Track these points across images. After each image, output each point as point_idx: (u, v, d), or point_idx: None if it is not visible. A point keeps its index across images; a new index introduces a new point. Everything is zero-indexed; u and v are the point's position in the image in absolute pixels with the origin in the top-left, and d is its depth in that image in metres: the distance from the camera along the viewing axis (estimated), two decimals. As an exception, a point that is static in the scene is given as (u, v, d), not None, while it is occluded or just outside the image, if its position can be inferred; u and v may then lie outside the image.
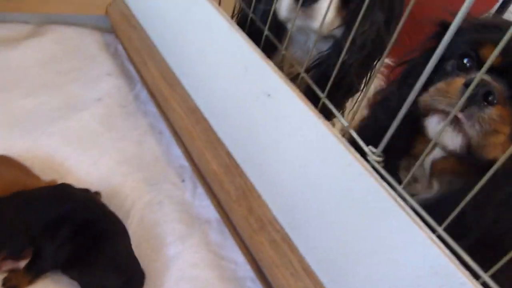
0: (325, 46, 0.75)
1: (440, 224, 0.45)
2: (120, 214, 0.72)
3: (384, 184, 0.50)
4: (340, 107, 0.81)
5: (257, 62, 0.66)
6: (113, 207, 0.73)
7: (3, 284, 0.63)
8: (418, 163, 0.48)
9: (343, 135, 0.56)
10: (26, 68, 1.00)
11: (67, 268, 0.65)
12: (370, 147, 0.52)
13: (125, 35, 1.08)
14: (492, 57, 0.39)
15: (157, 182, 0.86)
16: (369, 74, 0.77)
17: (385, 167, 0.51)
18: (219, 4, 0.77)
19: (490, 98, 0.50)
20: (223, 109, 0.78)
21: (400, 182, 0.49)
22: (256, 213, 0.70)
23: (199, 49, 0.83)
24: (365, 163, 0.52)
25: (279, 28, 0.75)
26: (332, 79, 0.55)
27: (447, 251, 0.44)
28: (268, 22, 0.66)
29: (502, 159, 0.40)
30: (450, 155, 0.56)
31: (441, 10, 0.57)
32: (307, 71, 0.73)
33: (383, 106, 0.68)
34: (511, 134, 0.51)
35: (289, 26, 0.73)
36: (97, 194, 0.78)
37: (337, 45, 0.72)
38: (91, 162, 0.85)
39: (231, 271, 0.75)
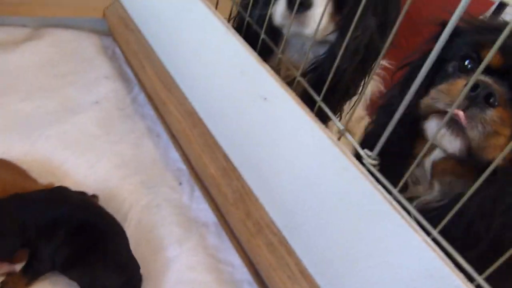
0: (321, 50, 0.76)
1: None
2: (117, 217, 0.72)
3: (380, 187, 0.50)
4: (337, 110, 0.81)
5: (253, 65, 0.66)
6: (110, 210, 0.73)
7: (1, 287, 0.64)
8: (413, 165, 0.48)
9: (339, 138, 0.56)
10: (23, 71, 1.00)
11: (66, 269, 0.66)
12: (365, 150, 0.52)
13: (122, 38, 1.08)
14: (488, 57, 0.39)
15: (155, 185, 0.86)
16: (365, 78, 0.77)
17: (383, 170, 0.51)
18: (216, 8, 0.77)
19: (491, 100, 0.50)
20: (220, 112, 0.78)
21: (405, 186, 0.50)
22: (254, 216, 0.70)
23: (196, 52, 0.83)
24: (360, 166, 0.52)
25: (275, 32, 0.75)
26: (327, 84, 0.56)
27: (442, 254, 0.44)
28: (264, 27, 0.67)
29: (498, 159, 0.40)
30: (450, 156, 0.56)
31: (441, 10, 0.57)
32: (304, 75, 0.74)
33: (385, 111, 0.68)
34: None
35: (284, 31, 0.73)
36: (94, 197, 0.78)
37: (332, 50, 0.72)
38: (88, 165, 0.85)
39: (229, 274, 0.75)
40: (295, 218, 0.64)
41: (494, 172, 0.41)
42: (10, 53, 1.02)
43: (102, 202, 0.78)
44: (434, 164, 0.61)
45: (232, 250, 0.78)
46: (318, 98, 0.58)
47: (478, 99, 0.50)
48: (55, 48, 1.09)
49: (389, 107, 0.67)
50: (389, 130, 0.49)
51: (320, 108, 0.59)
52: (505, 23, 0.60)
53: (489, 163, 0.51)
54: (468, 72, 0.57)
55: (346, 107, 0.86)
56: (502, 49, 0.47)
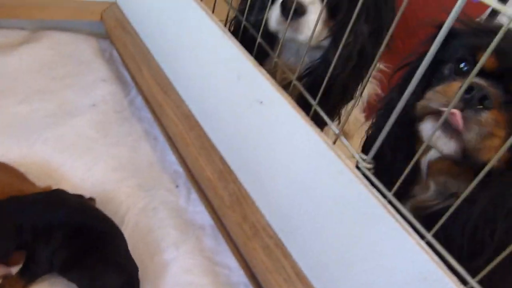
0: (317, 54, 0.76)
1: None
2: (114, 220, 0.72)
3: (374, 190, 0.50)
4: (334, 115, 0.82)
5: (250, 69, 0.66)
6: (107, 213, 0.73)
7: (-2, 290, 0.64)
8: (408, 168, 0.48)
9: (334, 142, 0.57)
10: (21, 74, 1.00)
11: (65, 271, 0.66)
12: (360, 154, 0.53)
13: (120, 41, 1.08)
14: (482, 60, 0.39)
15: (152, 188, 0.86)
16: (361, 82, 0.78)
17: (383, 173, 0.52)
18: (213, 12, 0.78)
19: (486, 103, 0.51)
20: (217, 116, 0.79)
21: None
22: (250, 219, 0.70)
23: (193, 56, 0.84)
24: (355, 170, 0.53)
25: (271, 35, 0.75)
26: (322, 89, 0.56)
27: (435, 257, 0.45)
28: (260, 31, 0.67)
29: (492, 161, 0.41)
30: (446, 157, 0.57)
31: (437, 12, 0.57)
32: (299, 78, 0.74)
33: (384, 114, 0.69)
34: (507, 139, 0.52)
35: (280, 35, 0.74)
36: (91, 200, 0.79)
37: (325, 55, 0.73)
38: (85, 168, 0.85)
39: (225, 276, 0.75)
40: (291, 221, 0.65)
41: (489, 173, 0.41)
42: (8, 55, 1.02)
43: (99, 205, 0.78)
44: (430, 164, 0.62)
45: (229, 252, 0.78)
46: (313, 102, 0.59)
47: (473, 101, 0.50)
48: (52, 50, 1.09)
49: (388, 110, 0.68)
50: (384, 133, 0.49)
51: (316, 112, 0.59)
52: (501, 26, 0.61)
53: (484, 164, 0.52)
54: (464, 74, 0.57)
55: (344, 111, 0.87)
56: (497, 52, 0.48)
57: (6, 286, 0.64)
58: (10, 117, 0.90)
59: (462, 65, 0.58)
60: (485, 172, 0.41)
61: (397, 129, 0.49)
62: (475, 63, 0.56)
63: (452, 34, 0.46)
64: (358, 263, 0.54)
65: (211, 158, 0.78)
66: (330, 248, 0.58)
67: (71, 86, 1.02)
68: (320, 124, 0.59)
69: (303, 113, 0.60)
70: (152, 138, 0.97)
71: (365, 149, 0.70)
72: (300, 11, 0.67)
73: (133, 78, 1.06)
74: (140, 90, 1.02)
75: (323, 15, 0.69)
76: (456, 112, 0.51)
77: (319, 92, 0.57)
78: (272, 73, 0.66)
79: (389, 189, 0.49)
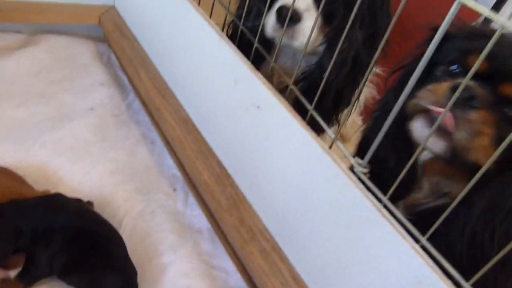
0: (313, 59, 0.77)
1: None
2: (112, 224, 0.72)
3: (369, 194, 0.51)
4: (330, 119, 0.82)
5: (247, 74, 0.67)
6: (105, 216, 0.73)
7: (-4, 294, 0.64)
8: (403, 172, 0.49)
9: (330, 147, 0.57)
10: (18, 77, 1.00)
11: (65, 274, 0.66)
12: (356, 158, 0.53)
13: (117, 44, 1.08)
14: (476, 65, 0.40)
15: (149, 192, 0.86)
16: (357, 87, 0.78)
17: (380, 175, 0.52)
18: (210, 16, 0.78)
19: (473, 103, 0.52)
20: (214, 120, 0.79)
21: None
22: (247, 223, 0.70)
23: (190, 60, 0.84)
24: (351, 174, 0.53)
25: (268, 40, 0.76)
26: (318, 95, 0.57)
27: (430, 261, 0.45)
28: (257, 36, 0.68)
29: (487, 165, 0.41)
30: (438, 157, 0.57)
31: (434, 16, 0.58)
32: (296, 83, 0.75)
33: (379, 116, 0.70)
34: (494, 138, 0.53)
35: (276, 40, 0.74)
36: (89, 203, 0.79)
37: (320, 61, 0.74)
38: (83, 172, 0.85)
39: (222, 280, 0.76)
40: (288, 225, 0.65)
41: (476, 170, 0.42)
42: (6, 59, 1.03)
43: (96, 209, 0.78)
44: (424, 164, 0.63)
45: (226, 256, 0.79)
46: (309, 107, 0.59)
47: (461, 101, 0.51)
48: (50, 54, 1.09)
49: (383, 112, 0.69)
50: (380, 137, 0.50)
51: (312, 116, 0.60)
52: (493, 31, 0.62)
53: (473, 164, 0.52)
54: (454, 76, 0.58)
55: (342, 116, 0.87)
56: (487, 55, 0.50)
57: (5, 289, 0.64)
58: (8, 121, 0.90)
59: (453, 67, 0.59)
60: (480, 175, 0.42)
61: (391, 129, 0.50)
62: (465, 65, 0.57)
63: (445, 37, 0.47)
64: (354, 267, 0.54)
65: (208, 162, 0.79)
66: (326, 252, 0.59)
67: (69, 89, 1.02)
68: (318, 129, 0.59)
69: (299, 118, 0.60)
70: (149, 141, 0.97)
71: (360, 150, 0.71)
72: (296, 18, 0.68)
73: (130, 81, 1.06)
74: (138, 94, 1.02)
75: (319, 21, 0.70)
76: (442, 110, 0.52)
77: (315, 97, 0.58)
78: (269, 77, 0.67)
79: (383, 190, 0.50)
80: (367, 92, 1.08)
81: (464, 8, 0.42)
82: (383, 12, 0.71)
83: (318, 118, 0.58)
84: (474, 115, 0.51)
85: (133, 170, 0.90)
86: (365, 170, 0.52)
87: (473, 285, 0.42)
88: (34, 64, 1.05)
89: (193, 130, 0.84)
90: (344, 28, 0.50)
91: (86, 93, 1.03)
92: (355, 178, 0.52)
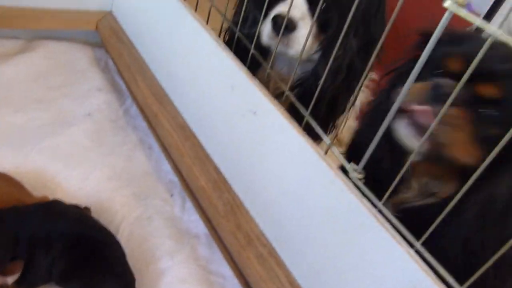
0: (309, 66, 0.78)
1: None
2: (110, 229, 0.73)
3: (364, 200, 0.51)
4: (327, 125, 0.83)
5: (243, 80, 0.68)
6: (103, 222, 0.74)
7: (-6, 300, 0.64)
8: (398, 176, 0.50)
9: (326, 152, 0.58)
10: (16, 83, 1.00)
11: (64, 281, 0.66)
12: (351, 164, 0.54)
13: (115, 50, 1.09)
14: (471, 68, 0.43)
15: (147, 197, 0.87)
16: (352, 94, 0.79)
17: (377, 178, 0.53)
18: (207, 22, 0.79)
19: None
20: (211, 126, 0.80)
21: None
22: (244, 228, 0.71)
23: (187, 66, 0.85)
24: (346, 180, 0.54)
25: (264, 47, 0.77)
26: (313, 101, 0.57)
27: (424, 266, 0.46)
28: (253, 43, 0.68)
29: (482, 168, 0.42)
30: (423, 157, 0.59)
31: (427, 23, 0.60)
32: (292, 89, 0.75)
33: (370, 117, 0.71)
34: (471, 136, 0.55)
35: (272, 48, 0.75)
36: (86, 209, 0.79)
37: (315, 68, 0.74)
38: (81, 178, 0.86)
39: (220, 285, 0.76)
40: (284, 230, 0.65)
41: (469, 173, 0.43)
42: (3, 65, 1.03)
43: (94, 214, 0.78)
44: (413, 165, 0.63)
45: (223, 261, 0.79)
46: (305, 113, 0.60)
47: (435, 97, 0.54)
48: (48, 60, 1.10)
49: (374, 113, 0.70)
50: (375, 142, 0.51)
51: (308, 122, 0.60)
52: (471, 36, 0.63)
53: (454, 161, 0.55)
54: (434, 77, 0.60)
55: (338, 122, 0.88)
56: (464, 56, 0.55)
57: (3, 296, 0.65)
58: (5, 126, 0.90)
59: (434, 69, 0.61)
60: (471, 182, 0.43)
61: (388, 131, 0.52)
62: (444, 67, 0.59)
63: (427, 42, 0.49)
64: (350, 272, 0.55)
65: (205, 168, 0.79)
66: (322, 257, 0.59)
67: (67, 95, 1.02)
68: (314, 136, 0.60)
69: (295, 124, 0.61)
70: (147, 147, 0.98)
71: (350, 152, 0.72)
72: (291, 27, 0.69)
73: (128, 87, 1.06)
74: (135, 100, 1.03)
75: (313, 30, 0.71)
76: (427, 108, 0.54)
77: (311, 103, 0.58)
78: (265, 83, 0.67)
79: (376, 190, 0.51)
80: (363, 97, 1.09)
81: (456, 17, 0.43)
82: (378, 20, 0.72)
83: (314, 124, 0.59)
84: (450, 110, 0.53)
85: (130, 175, 0.90)
86: (360, 176, 0.53)
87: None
88: (32, 70, 1.05)
89: (190, 136, 0.84)
90: (339, 36, 0.51)
91: (84, 98, 1.03)
92: (350, 184, 0.53)
